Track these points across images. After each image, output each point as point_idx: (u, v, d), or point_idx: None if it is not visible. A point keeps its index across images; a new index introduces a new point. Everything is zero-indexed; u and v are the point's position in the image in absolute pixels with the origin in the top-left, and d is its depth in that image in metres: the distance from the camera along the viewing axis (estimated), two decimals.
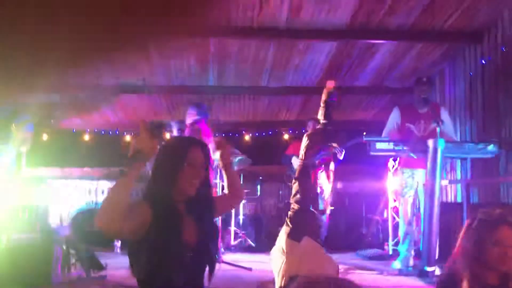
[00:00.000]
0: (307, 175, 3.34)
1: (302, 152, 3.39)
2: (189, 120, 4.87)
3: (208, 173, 1.92)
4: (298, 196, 3.31)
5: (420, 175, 4.39)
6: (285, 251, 3.04)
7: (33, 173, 6.42)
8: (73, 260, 3.84)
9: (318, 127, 3.50)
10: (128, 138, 7.54)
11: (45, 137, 7.45)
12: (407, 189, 4.48)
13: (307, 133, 3.52)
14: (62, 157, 7.12)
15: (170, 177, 1.81)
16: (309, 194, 3.29)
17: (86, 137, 7.66)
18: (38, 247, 3.74)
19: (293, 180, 3.43)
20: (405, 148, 4.04)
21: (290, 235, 3.12)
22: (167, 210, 1.79)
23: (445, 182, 5.49)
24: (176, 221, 1.79)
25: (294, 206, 3.32)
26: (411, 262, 4.44)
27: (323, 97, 3.39)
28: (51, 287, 3.39)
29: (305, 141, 3.39)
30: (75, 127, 7.67)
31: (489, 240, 1.78)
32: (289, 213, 3.33)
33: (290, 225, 3.20)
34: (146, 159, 1.67)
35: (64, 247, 3.73)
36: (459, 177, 5.45)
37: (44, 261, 3.46)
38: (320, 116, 3.41)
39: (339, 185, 7.08)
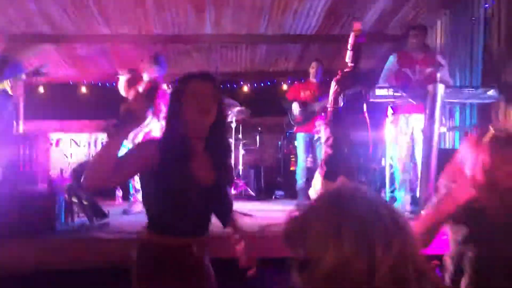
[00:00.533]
0: (339, 120, 3.35)
1: (331, 97, 3.37)
2: (149, 76, 4.78)
3: (222, 109, 1.88)
4: (330, 140, 3.33)
5: (415, 121, 4.39)
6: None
7: (32, 126, 6.42)
8: (76, 209, 3.90)
9: (346, 70, 3.44)
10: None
11: (41, 89, 7.38)
12: (402, 136, 4.49)
13: (336, 78, 3.46)
14: (60, 110, 7.09)
15: (177, 112, 1.80)
16: (342, 138, 3.33)
17: (83, 90, 7.59)
18: (41, 197, 3.79)
19: (324, 125, 3.44)
20: (404, 94, 4.02)
21: (325, 176, 3.17)
22: (176, 145, 1.78)
23: (443, 129, 5.51)
24: (185, 157, 1.78)
25: (328, 150, 3.35)
26: (408, 208, 4.52)
27: (350, 40, 3.33)
28: (55, 235, 3.46)
29: (333, 86, 3.36)
30: (72, 80, 7.58)
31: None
32: (323, 156, 3.38)
33: (325, 168, 3.25)
34: (136, 121, 1.63)
35: (67, 196, 3.78)
36: (457, 124, 5.46)
37: (47, 210, 3.51)
38: (348, 59, 3.36)
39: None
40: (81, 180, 1.59)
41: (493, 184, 1.67)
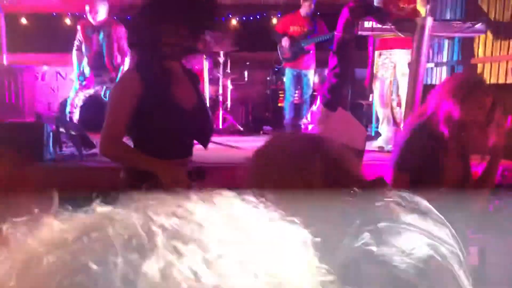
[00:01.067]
0: (346, 49, 3.31)
1: (342, 25, 3.31)
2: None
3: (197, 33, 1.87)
4: (337, 69, 3.31)
5: (397, 56, 4.38)
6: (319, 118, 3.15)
7: (17, 59, 6.29)
8: (64, 139, 3.94)
9: None
10: None
11: (24, 21, 7.17)
12: (383, 71, 4.48)
13: (349, 6, 3.38)
14: (45, 43, 6.93)
15: (152, 30, 1.79)
16: (348, 67, 3.30)
17: (68, 21, 7.38)
18: (28, 128, 3.81)
19: (332, 54, 3.38)
20: (392, 26, 3.98)
21: (326, 105, 3.20)
22: (155, 71, 1.79)
23: (430, 65, 5.53)
24: (167, 82, 1.81)
25: (332, 79, 3.34)
26: (391, 142, 4.62)
27: None
28: (43, 164, 3.51)
29: (345, 13, 3.28)
30: (55, 11, 7.35)
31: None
32: (327, 85, 3.37)
33: (328, 96, 3.26)
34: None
35: (54, 127, 3.80)
36: (445, 59, 5.46)
37: (34, 140, 3.53)
38: None
39: (326, 71, 7.10)
40: (99, 147, 1.80)
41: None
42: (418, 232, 0.91)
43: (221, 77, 5.91)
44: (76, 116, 4.95)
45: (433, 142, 1.90)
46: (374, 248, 0.86)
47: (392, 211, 0.95)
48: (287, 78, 5.74)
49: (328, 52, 5.77)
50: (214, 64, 6.02)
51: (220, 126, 5.87)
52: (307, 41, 5.55)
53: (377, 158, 4.12)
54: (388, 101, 4.59)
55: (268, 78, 6.71)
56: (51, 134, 3.69)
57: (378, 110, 4.70)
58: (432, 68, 5.63)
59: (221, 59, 5.84)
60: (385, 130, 4.63)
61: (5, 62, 5.95)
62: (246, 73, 6.43)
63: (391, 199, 0.99)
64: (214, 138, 4.88)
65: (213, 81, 5.95)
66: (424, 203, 1.00)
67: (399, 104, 4.77)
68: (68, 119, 4.80)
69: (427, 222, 0.95)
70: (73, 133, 3.92)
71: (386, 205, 0.97)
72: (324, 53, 5.89)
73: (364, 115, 6.29)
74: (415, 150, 1.95)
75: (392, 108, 4.75)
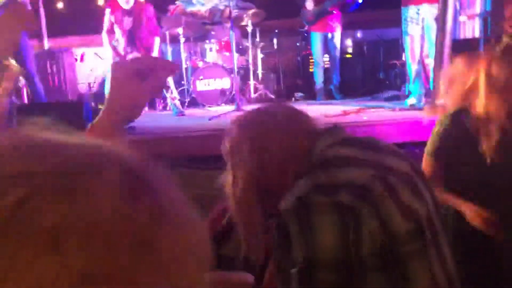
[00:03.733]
0: None
1: None
2: None
3: None
4: None
5: (426, 11, 4.29)
6: None
7: (56, 43, 6.60)
8: None
9: None
10: None
11: (61, 5, 7.45)
12: (413, 26, 4.41)
13: None
14: (82, 25, 7.19)
15: None
16: None
17: (101, 1, 7.59)
18: (70, 106, 4.08)
19: None
20: None
21: None
22: None
23: (463, 18, 5.35)
24: None
25: None
26: (423, 101, 4.58)
27: None
28: None
29: None
30: None
31: None
32: None
33: None
34: None
35: (93, 104, 4.05)
36: (478, 11, 5.26)
37: (76, 116, 3.78)
38: None
39: (358, 34, 7.01)
40: None
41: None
42: (366, 165, 1.03)
43: (250, 46, 5.98)
44: None
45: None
46: (322, 181, 0.99)
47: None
48: (313, 42, 5.72)
49: (356, 12, 5.72)
50: (243, 34, 6.09)
51: (252, 95, 5.98)
52: (331, 1, 5.48)
53: (409, 116, 4.12)
54: (419, 57, 4.53)
55: (297, 44, 6.70)
56: (90, 112, 3.94)
57: (409, 67, 4.65)
58: (464, 22, 5.44)
59: (249, 28, 5.89)
60: (416, 88, 4.59)
61: (46, 46, 6.27)
62: (275, 41, 6.46)
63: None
64: (246, 107, 5.02)
65: (243, 51, 6.03)
66: (387, 144, 1.15)
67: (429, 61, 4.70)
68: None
69: (378, 156, 1.07)
70: None
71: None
72: (353, 13, 5.84)
73: (398, 75, 6.21)
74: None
75: (424, 65, 4.68)
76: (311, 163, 1.07)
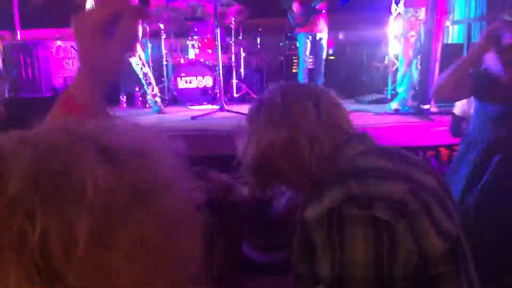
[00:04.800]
0: None
1: None
2: None
3: None
4: None
5: (423, 14, 4.28)
6: None
7: (30, 35, 6.33)
8: None
9: None
10: None
11: None
12: (409, 28, 4.39)
13: None
14: (57, 18, 6.93)
15: None
16: None
17: None
18: (45, 102, 3.87)
19: None
20: None
21: None
22: None
23: (447, 23, 5.39)
24: None
25: None
26: (409, 103, 4.57)
27: None
28: None
29: None
30: None
31: None
32: None
33: None
34: None
35: None
36: (462, 17, 5.32)
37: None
38: None
39: (340, 35, 6.98)
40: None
41: None
42: (399, 178, 0.95)
43: (233, 45, 5.87)
44: None
45: None
46: (356, 192, 0.90)
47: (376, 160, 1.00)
48: (300, 43, 5.65)
49: (340, 13, 5.68)
50: (226, 32, 5.97)
51: (235, 95, 5.87)
52: (318, 1, 5.42)
53: (393, 120, 4.10)
54: (412, 60, 4.51)
55: (281, 44, 6.63)
56: None
57: (400, 68, 4.63)
58: (448, 26, 5.49)
59: (233, 26, 5.78)
60: (402, 90, 4.57)
61: (19, 38, 6.00)
62: (258, 40, 6.36)
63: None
64: (228, 107, 4.92)
65: (225, 49, 5.91)
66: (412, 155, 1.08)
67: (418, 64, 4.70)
68: None
69: (409, 169, 1.00)
70: None
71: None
72: (337, 14, 5.80)
73: (380, 79, 6.22)
74: None
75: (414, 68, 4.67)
76: (338, 169, 0.98)
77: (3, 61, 5.63)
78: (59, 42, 6.25)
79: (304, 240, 0.95)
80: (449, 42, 5.42)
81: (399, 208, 0.89)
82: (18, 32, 6.14)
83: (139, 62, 4.81)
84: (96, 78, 0.71)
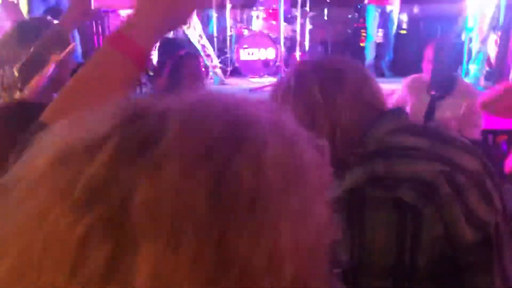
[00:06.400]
0: None
1: None
2: None
3: None
4: None
5: None
6: None
7: (102, 2, 6.53)
8: (144, 80, 4.11)
9: None
10: None
11: None
12: (487, 2, 4.04)
13: None
14: None
15: None
16: None
17: None
18: None
19: None
20: None
21: None
22: None
23: None
24: None
25: None
26: (482, 83, 4.25)
27: None
28: None
29: None
30: None
31: None
32: None
33: None
34: None
35: None
36: None
37: None
38: None
39: (415, 9, 6.59)
40: None
41: None
42: (433, 158, 0.86)
43: (298, 16, 5.72)
44: (155, 59, 5.11)
45: None
46: (381, 173, 0.83)
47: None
48: (370, 15, 5.41)
49: None
50: (293, 3, 5.83)
51: None
52: None
53: None
54: (487, 36, 4.17)
55: (349, 16, 6.38)
56: None
57: (474, 45, 4.30)
58: None
59: None
60: (475, 68, 4.25)
61: (92, 6, 6.22)
62: (326, 11, 6.16)
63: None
64: None
65: (290, 20, 5.78)
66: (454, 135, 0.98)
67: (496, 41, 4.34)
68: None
69: (447, 149, 0.90)
70: (151, 73, 4.06)
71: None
72: None
73: (455, 55, 5.82)
74: None
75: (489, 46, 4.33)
76: (367, 147, 0.90)
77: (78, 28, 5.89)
78: (130, 11, 6.44)
79: None
80: None
81: (427, 191, 0.81)
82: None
83: (195, 34, 4.85)
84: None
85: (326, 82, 0.95)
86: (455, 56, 2.11)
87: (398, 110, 1.00)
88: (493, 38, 4.32)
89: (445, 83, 2.56)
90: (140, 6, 0.64)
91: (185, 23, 0.55)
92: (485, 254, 0.85)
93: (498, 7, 4.04)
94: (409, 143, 0.90)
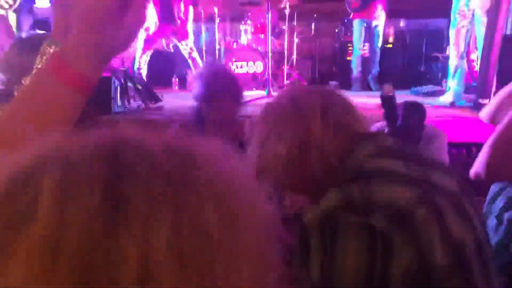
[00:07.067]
0: None
1: None
2: None
3: None
4: None
5: (476, 3, 3.98)
6: None
7: None
8: (131, 93, 4.12)
9: None
10: None
11: None
12: (460, 18, 4.11)
13: None
14: None
15: None
16: None
17: None
18: (99, 81, 4.00)
19: None
20: None
21: None
22: None
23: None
24: None
25: None
26: (462, 98, 4.32)
27: None
28: (112, 116, 3.70)
29: None
30: None
31: None
32: None
33: None
34: None
35: (123, 80, 3.97)
36: None
37: (104, 93, 3.71)
38: None
39: (401, 23, 6.69)
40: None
41: None
42: (411, 181, 0.88)
43: (286, 30, 5.79)
44: (144, 72, 5.13)
45: None
46: (356, 198, 0.84)
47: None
48: (356, 30, 5.49)
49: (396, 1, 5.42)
50: (280, 18, 5.89)
51: (285, 82, 5.81)
52: None
53: (447, 114, 3.89)
54: (464, 51, 4.25)
55: (336, 30, 6.46)
56: (118, 87, 3.86)
57: (451, 61, 4.37)
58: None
59: (287, 11, 5.69)
60: (455, 84, 4.31)
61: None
62: (313, 26, 6.23)
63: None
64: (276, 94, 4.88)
65: (278, 35, 5.84)
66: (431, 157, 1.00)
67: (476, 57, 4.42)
68: (136, 74, 4.98)
69: (425, 171, 0.92)
70: (139, 87, 4.08)
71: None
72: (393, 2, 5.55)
73: (440, 69, 5.91)
74: None
75: (468, 60, 4.40)
76: (344, 172, 0.92)
77: None
78: None
79: (303, 241, 0.91)
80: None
81: (400, 217, 0.82)
82: None
83: (186, 47, 4.89)
84: (96, 48, 0.58)
85: (313, 114, 0.99)
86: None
87: (378, 133, 1.02)
88: (476, 54, 4.41)
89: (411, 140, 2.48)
90: (76, 30, 0.58)
91: (127, 48, 0.53)
92: (462, 277, 0.84)
93: (472, 22, 4.09)
94: (388, 167, 0.92)
